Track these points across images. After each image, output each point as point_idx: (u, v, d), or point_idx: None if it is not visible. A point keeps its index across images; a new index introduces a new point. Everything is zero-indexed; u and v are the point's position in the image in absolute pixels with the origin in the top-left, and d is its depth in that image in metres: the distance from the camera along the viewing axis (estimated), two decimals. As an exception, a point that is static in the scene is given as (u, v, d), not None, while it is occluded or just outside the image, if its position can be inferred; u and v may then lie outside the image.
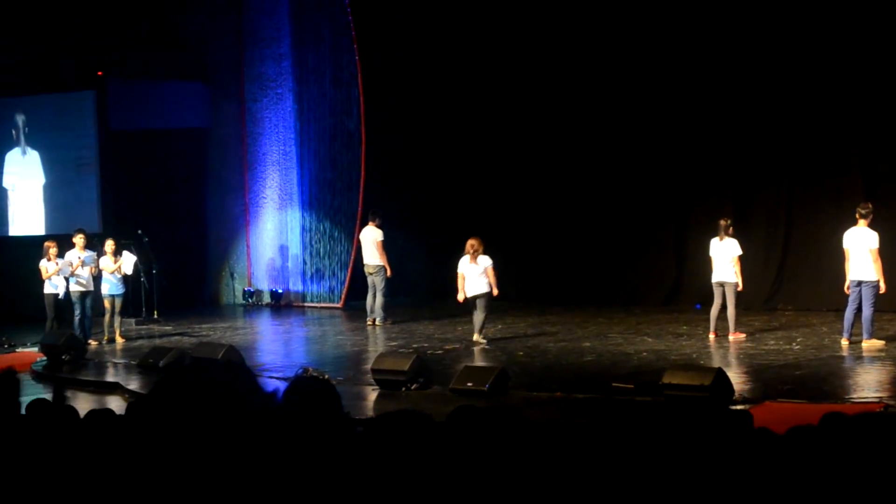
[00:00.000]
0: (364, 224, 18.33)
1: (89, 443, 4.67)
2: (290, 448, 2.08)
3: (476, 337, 14.96)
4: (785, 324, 15.76)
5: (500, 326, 16.38)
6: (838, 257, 14.01)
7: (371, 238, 17.60)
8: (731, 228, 14.46)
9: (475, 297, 14.84)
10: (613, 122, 18.61)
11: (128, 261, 16.96)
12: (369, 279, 17.70)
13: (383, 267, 17.46)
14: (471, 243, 14.74)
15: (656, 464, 3.85)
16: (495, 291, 14.86)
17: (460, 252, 15.00)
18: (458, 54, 19.87)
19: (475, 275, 14.79)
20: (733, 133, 17.64)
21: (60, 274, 16.38)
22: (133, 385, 13.13)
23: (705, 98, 17.77)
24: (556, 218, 19.11)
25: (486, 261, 14.70)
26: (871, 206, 13.55)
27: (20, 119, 21.31)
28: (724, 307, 14.42)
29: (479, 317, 14.94)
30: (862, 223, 13.40)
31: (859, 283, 13.32)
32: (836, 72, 16.65)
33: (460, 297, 14.94)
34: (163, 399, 2.10)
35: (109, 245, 16.88)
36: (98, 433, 4.99)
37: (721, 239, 14.43)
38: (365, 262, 17.76)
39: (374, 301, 17.56)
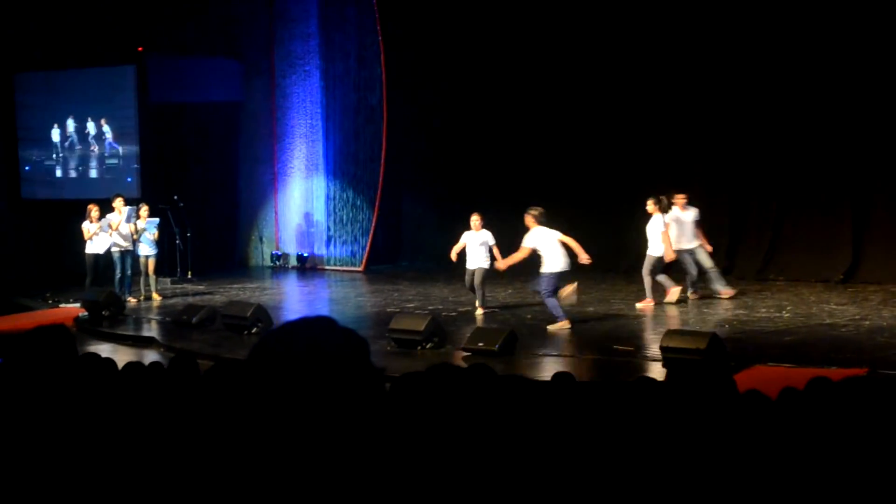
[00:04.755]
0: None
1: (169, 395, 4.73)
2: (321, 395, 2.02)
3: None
4: (776, 293, 15.76)
5: (509, 291, 16.59)
6: (829, 231, 14.37)
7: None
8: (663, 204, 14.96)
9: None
10: (621, 99, 18.75)
11: (149, 225, 17.30)
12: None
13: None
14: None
15: (643, 425, 3.84)
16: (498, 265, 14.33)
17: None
18: (475, 38, 19.92)
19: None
20: (731, 120, 17.76)
21: (101, 232, 16.83)
22: (167, 340, 13.52)
23: (703, 96, 17.91)
24: (562, 187, 18.95)
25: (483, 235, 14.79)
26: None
27: (69, 97, 21.48)
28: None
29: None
30: None
31: None
32: (833, 93, 16.69)
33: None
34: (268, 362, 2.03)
35: (144, 209, 17.29)
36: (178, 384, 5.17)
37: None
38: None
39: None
